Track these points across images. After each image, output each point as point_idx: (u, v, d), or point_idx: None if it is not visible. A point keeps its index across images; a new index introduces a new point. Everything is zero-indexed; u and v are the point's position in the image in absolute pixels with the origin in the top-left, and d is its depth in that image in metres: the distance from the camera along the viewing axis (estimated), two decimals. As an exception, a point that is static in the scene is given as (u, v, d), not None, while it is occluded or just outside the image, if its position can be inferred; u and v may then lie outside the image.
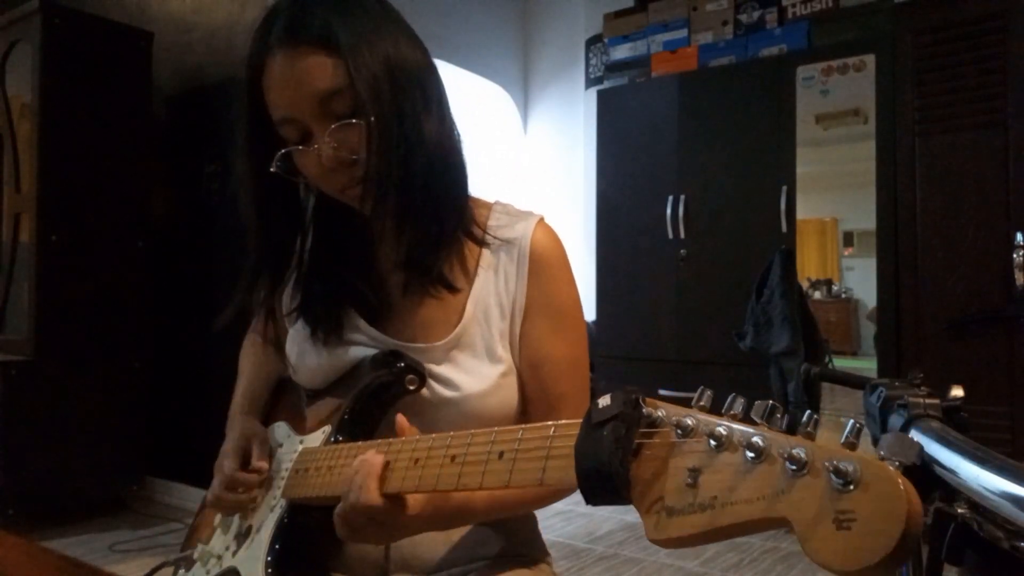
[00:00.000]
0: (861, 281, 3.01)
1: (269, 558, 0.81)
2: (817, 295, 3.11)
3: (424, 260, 0.83)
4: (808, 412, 0.41)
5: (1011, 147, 2.59)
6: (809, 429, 0.40)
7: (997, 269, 2.59)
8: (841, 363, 3.06)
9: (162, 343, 3.13)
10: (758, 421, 0.43)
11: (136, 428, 3.01)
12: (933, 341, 2.72)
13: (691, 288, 3.28)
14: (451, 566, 0.87)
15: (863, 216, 2.94)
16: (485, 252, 0.88)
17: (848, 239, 3.08)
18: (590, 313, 3.64)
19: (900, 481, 0.35)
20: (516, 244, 0.87)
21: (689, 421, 0.45)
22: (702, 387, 0.47)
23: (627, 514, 3.16)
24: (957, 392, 0.54)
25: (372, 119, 0.78)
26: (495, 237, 0.87)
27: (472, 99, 4.19)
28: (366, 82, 0.78)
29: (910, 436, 0.51)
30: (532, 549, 0.94)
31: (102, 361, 2.92)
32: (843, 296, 3.10)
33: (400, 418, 0.73)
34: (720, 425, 0.43)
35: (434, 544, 0.86)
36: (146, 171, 3.10)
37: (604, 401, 0.49)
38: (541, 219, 0.90)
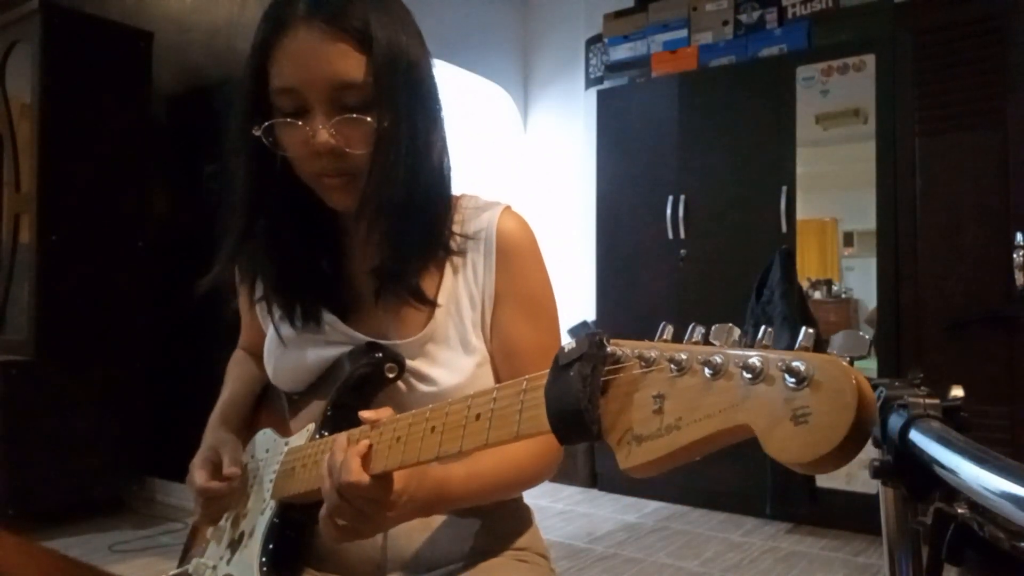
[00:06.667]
0: (861, 281, 3.01)
1: (263, 559, 0.81)
2: (817, 295, 3.11)
3: (398, 272, 0.83)
4: (804, 328, 0.41)
5: (1011, 147, 2.59)
6: (806, 344, 0.41)
7: (997, 269, 2.59)
8: (841, 363, 3.05)
9: (162, 343, 3.13)
10: (716, 344, 0.44)
11: (136, 428, 3.01)
12: (933, 341, 2.72)
13: (691, 288, 3.28)
14: (447, 563, 0.87)
15: (863, 216, 2.94)
16: (453, 247, 0.88)
17: (848, 239, 3.07)
18: (590, 313, 3.64)
19: (849, 371, 0.37)
20: (483, 234, 0.87)
21: (651, 353, 0.46)
22: (664, 323, 0.48)
23: (627, 514, 3.16)
24: (957, 392, 0.54)
25: (385, 124, 0.78)
26: (463, 234, 0.88)
27: (472, 99, 4.19)
28: (389, 88, 0.78)
29: (911, 436, 0.51)
30: (530, 546, 0.94)
31: (102, 361, 2.92)
32: (843, 296, 3.09)
33: (363, 414, 0.73)
34: (680, 351, 0.45)
35: (430, 540, 0.86)
36: (146, 171, 3.10)
37: (570, 345, 0.51)
38: (507, 207, 0.90)
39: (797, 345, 0.40)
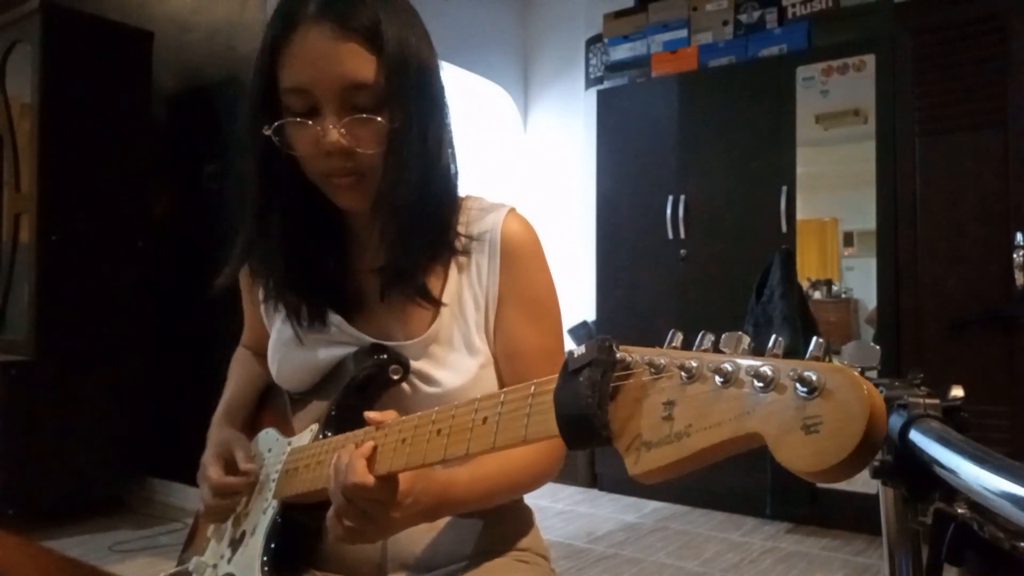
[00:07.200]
0: (861, 281, 3.01)
1: (265, 558, 0.81)
2: (817, 295, 3.11)
3: (406, 270, 0.84)
4: (816, 338, 0.42)
5: (1011, 147, 2.59)
6: (816, 354, 0.41)
7: (997, 269, 2.59)
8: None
9: (162, 343, 3.13)
10: (726, 352, 0.44)
11: (136, 428, 3.01)
12: (933, 341, 2.72)
13: (691, 288, 3.28)
14: (448, 564, 0.87)
15: (863, 216, 2.93)
16: (458, 247, 0.88)
17: (848, 239, 3.07)
18: (590, 313, 3.64)
19: (861, 381, 0.37)
20: (487, 236, 0.88)
21: (661, 360, 0.46)
22: (673, 330, 0.49)
23: (627, 514, 3.16)
24: (957, 392, 0.54)
25: (397, 125, 0.79)
26: (468, 236, 0.88)
27: (472, 99, 4.19)
28: (400, 88, 0.78)
29: (910, 437, 0.51)
30: (531, 547, 0.94)
31: (102, 361, 2.92)
32: (843, 296, 3.09)
33: (369, 414, 0.73)
34: (690, 359, 0.45)
35: (431, 541, 0.86)
36: (146, 171, 3.10)
37: (579, 350, 0.51)
38: (512, 209, 0.91)
39: (808, 354, 0.41)
